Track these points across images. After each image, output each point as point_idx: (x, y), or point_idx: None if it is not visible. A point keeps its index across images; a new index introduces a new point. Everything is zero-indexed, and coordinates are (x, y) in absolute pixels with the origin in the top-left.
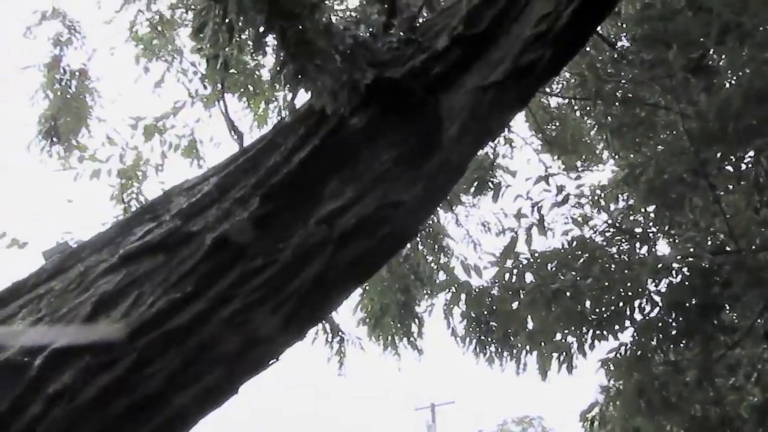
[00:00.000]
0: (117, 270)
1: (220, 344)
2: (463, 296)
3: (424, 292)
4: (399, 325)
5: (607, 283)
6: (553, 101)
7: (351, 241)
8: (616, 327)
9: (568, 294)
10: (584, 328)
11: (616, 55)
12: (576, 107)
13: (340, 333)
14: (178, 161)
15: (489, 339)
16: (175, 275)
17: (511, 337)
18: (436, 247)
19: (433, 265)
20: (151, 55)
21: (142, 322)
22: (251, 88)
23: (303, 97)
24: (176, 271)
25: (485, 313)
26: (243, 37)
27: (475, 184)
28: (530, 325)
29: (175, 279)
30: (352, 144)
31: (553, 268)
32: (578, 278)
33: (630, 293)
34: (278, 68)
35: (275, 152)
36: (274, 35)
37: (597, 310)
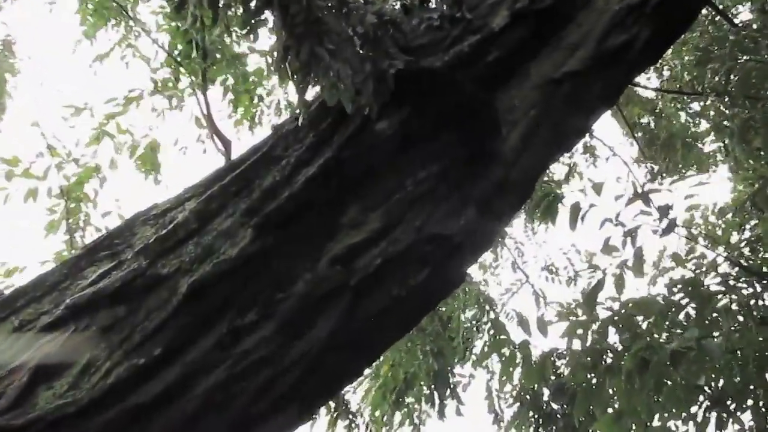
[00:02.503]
0: (63, 325)
1: (198, 428)
2: (518, 363)
3: (460, 358)
4: (428, 402)
5: (740, 347)
6: (650, 95)
7: (375, 289)
8: (745, 405)
9: (673, 359)
10: (703, 408)
11: (736, 34)
12: (681, 103)
13: (348, 412)
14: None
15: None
16: (139, 334)
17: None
18: (481, 298)
19: (475, 320)
20: (101, 21)
21: (94, 396)
22: (239, 81)
23: (309, 94)
24: (141, 327)
25: (549, 390)
26: (232, 13)
27: (543, 205)
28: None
29: (140, 339)
30: (378, 156)
31: (652, 324)
32: (701, 337)
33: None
34: (280, 56)
35: (274, 168)
36: (273, 12)
37: (722, 382)
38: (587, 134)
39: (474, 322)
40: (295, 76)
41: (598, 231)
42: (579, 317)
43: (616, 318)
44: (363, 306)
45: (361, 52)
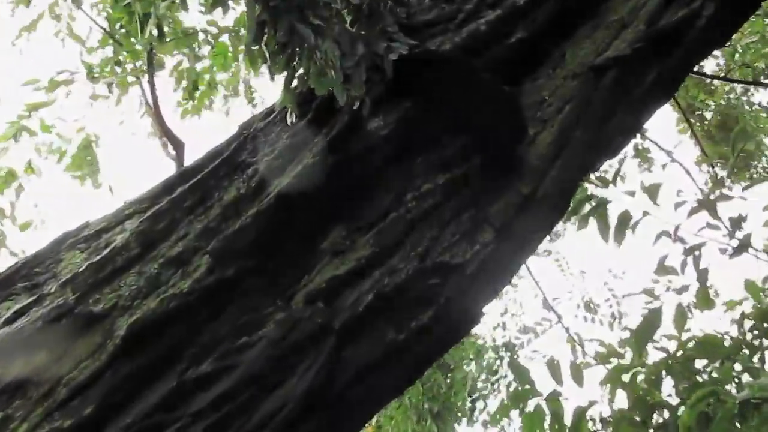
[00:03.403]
0: None
1: None
2: (545, 420)
3: (467, 419)
4: None
5: None
6: (711, 83)
7: (365, 334)
8: None
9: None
10: None
11: None
12: (752, 92)
13: None
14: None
15: None
16: (65, 388)
17: None
18: (496, 339)
19: (488, 371)
20: None
21: None
22: (195, 66)
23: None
24: (68, 380)
25: None
26: None
27: (580, 212)
28: None
29: (66, 395)
30: (371, 163)
31: (717, 369)
32: None
33: None
34: (253, 34)
35: (238, 178)
36: None
37: None
38: (637, 135)
39: (487, 375)
40: (271, 60)
41: (651, 248)
42: (624, 360)
43: (671, 362)
44: (349, 355)
45: (352, 30)
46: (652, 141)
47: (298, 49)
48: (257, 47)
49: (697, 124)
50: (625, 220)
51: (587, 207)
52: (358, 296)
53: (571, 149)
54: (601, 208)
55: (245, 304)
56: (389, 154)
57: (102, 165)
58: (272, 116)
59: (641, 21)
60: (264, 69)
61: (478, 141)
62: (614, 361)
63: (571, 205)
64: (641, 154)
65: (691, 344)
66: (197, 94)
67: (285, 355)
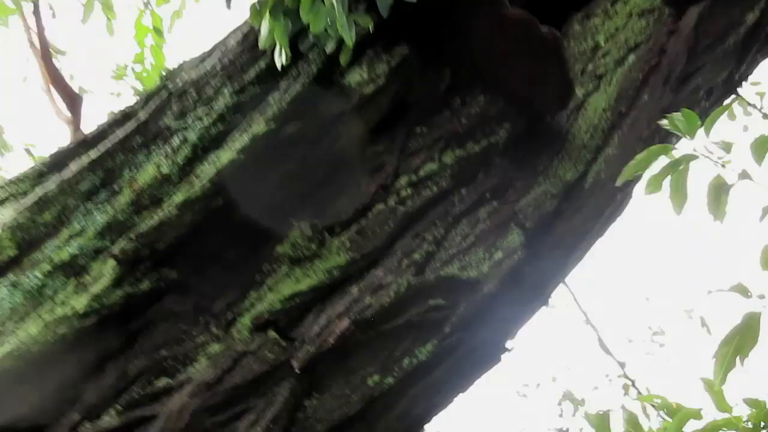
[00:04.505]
0: None
1: None
2: None
3: None
4: None
5: None
6: None
7: (337, 377)
8: None
9: None
10: None
11: None
12: None
13: None
14: None
15: None
16: None
17: None
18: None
19: None
20: None
21: None
22: None
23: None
24: None
25: None
26: None
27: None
28: None
29: None
30: (348, 132)
31: None
32: None
33: None
34: None
35: (157, 150)
36: None
37: None
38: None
39: None
40: None
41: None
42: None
43: None
44: (314, 407)
45: None
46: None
47: None
48: None
49: None
50: (719, 186)
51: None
52: (326, 323)
53: (636, 117)
54: (680, 164)
55: (166, 332)
56: (374, 120)
57: None
58: (210, 62)
59: None
60: None
61: (503, 104)
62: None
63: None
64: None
65: None
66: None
67: (221, 405)
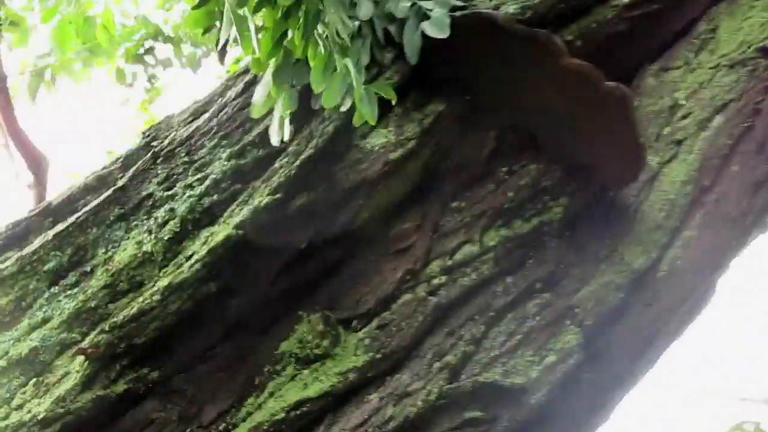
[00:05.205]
0: None
1: None
2: None
3: None
4: None
5: None
6: None
7: None
8: None
9: None
10: None
11: None
12: None
13: None
14: None
15: None
16: None
17: None
18: None
19: None
20: None
21: None
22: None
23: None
24: None
25: None
26: None
27: None
28: None
29: None
30: (368, 206)
31: None
32: None
33: None
34: None
35: (138, 223)
36: None
37: None
38: None
39: None
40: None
41: None
42: None
43: None
44: None
45: None
46: None
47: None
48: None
49: None
50: None
51: None
52: None
53: (723, 192)
54: None
55: None
56: (401, 192)
57: None
58: (204, 117)
59: None
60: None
61: (560, 175)
62: None
63: None
64: None
65: None
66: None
67: None
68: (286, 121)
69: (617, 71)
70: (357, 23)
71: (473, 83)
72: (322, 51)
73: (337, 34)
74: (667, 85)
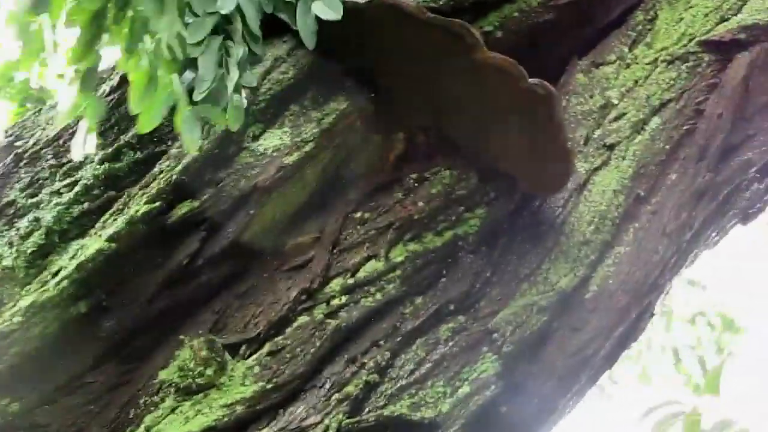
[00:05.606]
0: None
1: None
2: None
3: None
4: None
5: None
6: None
7: None
8: None
9: None
10: None
11: None
12: None
13: None
14: None
15: None
16: None
17: None
18: None
19: None
20: None
21: None
22: None
23: None
24: None
25: None
26: None
27: None
28: None
29: None
30: (263, 235)
31: None
32: None
33: None
34: None
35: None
36: None
37: None
38: None
39: None
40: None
41: None
42: None
43: None
44: None
45: None
46: None
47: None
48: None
49: None
50: None
51: None
52: None
53: (660, 203)
54: None
55: None
56: (297, 201)
57: None
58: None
59: None
60: None
61: (476, 182)
62: None
63: None
64: None
65: None
66: None
67: None
68: (92, 134)
69: (542, 66)
70: (214, 22)
71: (380, 79)
72: (145, 65)
73: (169, 47)
74: (598, 83)
